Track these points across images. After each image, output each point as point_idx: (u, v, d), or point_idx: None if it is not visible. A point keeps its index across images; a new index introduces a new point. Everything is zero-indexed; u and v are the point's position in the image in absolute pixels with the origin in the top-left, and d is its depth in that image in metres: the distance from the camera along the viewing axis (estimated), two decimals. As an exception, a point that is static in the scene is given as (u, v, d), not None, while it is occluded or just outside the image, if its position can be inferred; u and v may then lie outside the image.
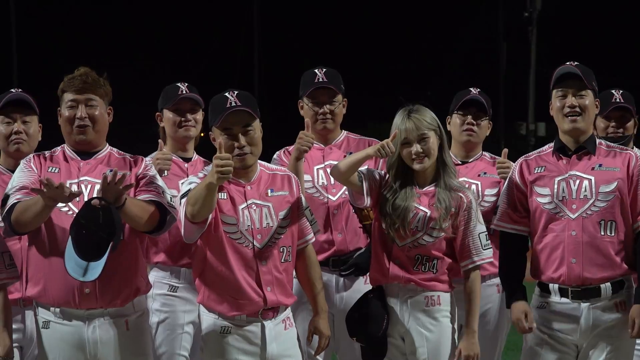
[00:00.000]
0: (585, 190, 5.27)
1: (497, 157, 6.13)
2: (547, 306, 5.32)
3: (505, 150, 6.02)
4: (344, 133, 6.13)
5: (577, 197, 5.26)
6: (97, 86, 5.10)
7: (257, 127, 5.01)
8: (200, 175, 4.99)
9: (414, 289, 5.21)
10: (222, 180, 4.68)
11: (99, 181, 4.92)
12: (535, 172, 5.38)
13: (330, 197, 5.91)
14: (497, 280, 5.98)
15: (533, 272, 5.40)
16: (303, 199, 5.20)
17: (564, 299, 5.27)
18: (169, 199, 5.10)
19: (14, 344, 5.07)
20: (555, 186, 5.31)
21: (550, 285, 5.30)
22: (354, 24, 42.17)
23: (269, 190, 5.07)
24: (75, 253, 4.70)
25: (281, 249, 5.03)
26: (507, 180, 5.56)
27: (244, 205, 4.99)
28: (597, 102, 5.41)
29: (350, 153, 5.69)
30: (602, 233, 5.23)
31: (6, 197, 4.95)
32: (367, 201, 5.27)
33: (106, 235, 4.72)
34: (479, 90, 6.18)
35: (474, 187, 5.87)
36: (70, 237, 4.73)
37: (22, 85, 6.28)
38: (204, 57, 37.08)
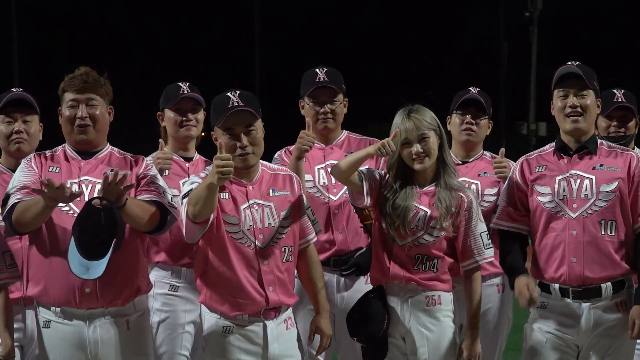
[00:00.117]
0: (586, 190, 5.26)
1: (497, 156, 6.12)
2: (547, 306, 5.31)
3: (503, 150, 6.01)
4: (345, 133, 6.12)
5: (578, 196, 5.26)
6: (98, 86, 5.10)
7: (259, 127, 5.01)
8: (202, 175, 4.98)
9: (414, 289, 5.21)
10: (222, 181, 4.68)
11: (100, 181, 4.92)
12: (536, 171, 5.38)
13: (331, 196, 5.91)
14: (497, 280, 5.99)
15: (533, 272, 5.40)
16: (304, 198, 5.20)
17: (564, 299, 5.27)
18: (170, 198, 5.10)
19: (15, 344, 5.07)
20: (556, 185, 5.31)
21: (551, 285, 5.30)
22: (355, 23, 42.18)
23: (271, 190, 5.07)
24: (78, 252, 4.70)
25: (283, 248, 5.03)
26: (507, 179, 5.55)
27: (246, 205, 4.98)
28: (598, 102, 5.41)
29: (351, 153, 5.69)
30: (603, 232, 5.23)
31: (7, 197, 4.95)
32: (367, 201, 5.27)
33: (108, 235, 4.72)
34: (478, 89, 6.18)
35: (473, 186, 5.87)
36: (72, 237, 4.73)
37: (23, 85, 6.28)
38: (205, 56, 37.10)
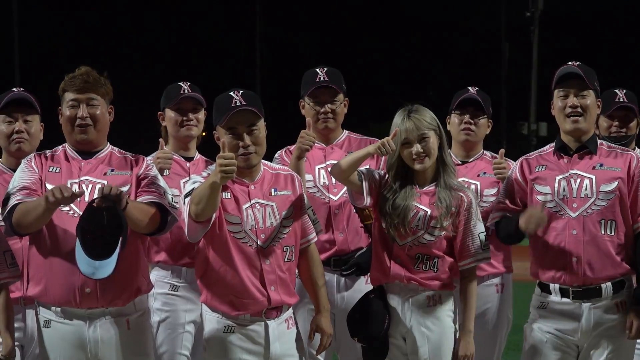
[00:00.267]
0: (586, 189, 5.27)
1: (497, 156, 6.12)
2: (547, 306, 5.31)
3: (502, 151, 6.01)
4: (345, 132, 6.12)
5: (578, 195, 5.26)
6: (98, 85, 5.09)
7: (261, 126, 5.01)
8: (204, 174, 4.98)
9: (415, 289, 5.21)
10: (225, 180, 4.67)
11: (100, 181, 4.93)
12: (536, 170, 5.39)
13: (331, 196, 5.91)
14: (496, 280, 5.99)
15: (533, 272, 5.40)
16: (305, 198, 5.20)
17: (564, 299, 5.27)
18: (170, 199, 5.09)
19: (15, 343, 5.06)
20: (556, 185, 5.31)
21: (551, 285, 5.30)
22: (356, 23, 42.19)
23: (273, 190, 5.07)
24: (85, 254, 4.70)
25: (284, 248, 5.03)
26: (506, 179, 5.54)
27: (248, 204, 4.98)
28: (598, 102, 5.41)
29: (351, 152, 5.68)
30: (603, 232, 5.23)
31: (7, 197, 4.95)
32: (367, 201, 5.27)
33: (112, 234, 4.72)
34: (477, 89, 6.17)
35: (473, 187, 5.87)
36: (77, 239, 4.73)
37: (23, 85, 6.28)
38: (206, 56, 37.12)
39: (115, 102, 5.25)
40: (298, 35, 38.43)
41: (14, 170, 5.17)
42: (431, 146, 5.21)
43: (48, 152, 5.14)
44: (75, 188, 4.87)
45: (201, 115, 6.00)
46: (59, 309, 4.93)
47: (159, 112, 6.06)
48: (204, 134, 6.09)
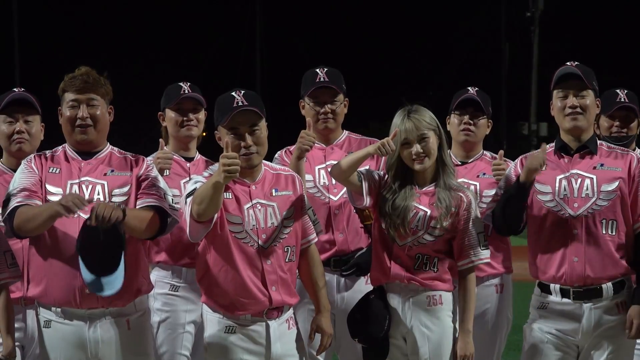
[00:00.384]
0: (587, 189, 5.27)
1: (497, 156, 6.11)
2: (547, 307, 5.31)
3: (501, 152, 6.00)
4: (346, 133, 6.12)
5: (579, 195, 5.27)
6: (98, 86, 5.09)
7: (263, 126, 5.01)
8: (205, 174, 4.98)
9: (415, 289, 5.21)
10: (228, 180, 4.67)
11: (100, 181, 4.94)
12: None
13: (331, 197, 5.91)
14: (495, 280, 5.99)
15: (533, 272, 5.40)
16: (306, 198, 5.20)
17: (565, 300, 5.27)
18: (171, 200, 5.09)
19: (16, 343, 5.07)
20: (557, 184, 5.31)
21: (552, 285, 5.29)
22: (356, 23, 42.20)
23: (274, 190, 5.07)
24: (88, 272, 4.71)
25: (285, 248, 5.03)
26: (504, 176, 5.53)
27: (249, 204, 4.98)
28: (597, 102, 5.42)
29: (351, 153, 5.68)
30: (604, 232, 5.24)
31: (8, 198, 4.94)
32: (367, 201, 5.27)
33: (112, 250, 4.72)
34: (477, 89, 6.16)
35: (472, 187, 5.86)
36: (80, 261, 4.73)
37: (24, 85, 6.28)
38: (206, 56, 37.11)
39: (116, 102, 5.25)
40: (298, 35, 38.43)
41: (15, 171, 5.16)
42: (431, 146, 5.21)
43: (48, 153, 5.14)
44: (76, 189, 4.90)
45: (201, 115, 6.00)
46: (59, 310, 4.93)
47: (159, 113, 6.07)
48: (204, 134, 6.09)
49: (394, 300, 5.24)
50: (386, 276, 5.25)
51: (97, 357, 4.95)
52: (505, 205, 5.31)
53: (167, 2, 41.64)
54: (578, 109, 5.32)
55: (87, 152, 5.11)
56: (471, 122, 6.07)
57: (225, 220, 4.91)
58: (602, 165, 5.32)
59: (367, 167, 5.44)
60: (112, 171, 5.07)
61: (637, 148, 6.26)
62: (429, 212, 5.20)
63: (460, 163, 6.04)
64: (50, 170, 5.03)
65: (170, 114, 5.97)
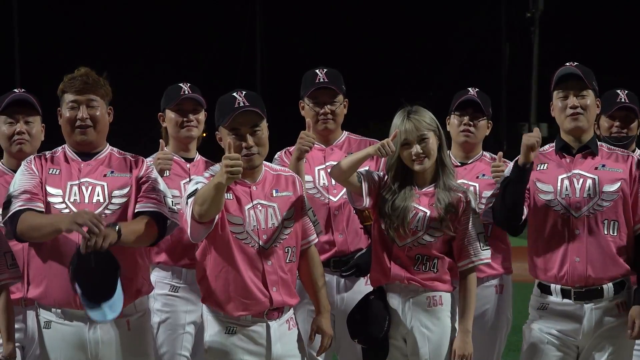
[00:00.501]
0: (589, 189, 5.27)
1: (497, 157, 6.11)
2: (547, 307, 5.31)
3: (500, 154, 6.00)
4: (345, 133, 6.12)
5: (581, 195, 5.27)
6: (98, 86, 5.09)
7: (264, 127, 5.01)
8: (207, 175, 4.98)
9: (415, 289, 5.21)
10: (231, 180, 4.67)
11: (100, 182, 4.93)
12: (538, 168, 5.38)
13: (331, 197, 5.91)
14: (494, 281, 5.99)
15: (533, 271, 5.39)
16: (306, 199, 5.21)
17: (565, 300, 5.27)
18: (170, 203, 5.09)
19: (16, 344, 5.07)
20: (559, 184, 5.31)
21: (552, 286, 5.29)
22: (356, 23, 42.21)
23: (274, 191, 5.07)
24: (87, 300, 4.70)
25: (286, 249, 5.03)
26: (504, 176, 5.51)
27: (250, 205, 4.98)
28: (598, 102, 5.42)
29: (351, 154, 5.68)
30: (606, 232, 5.24)
31: (9, 200, 4.93)
32: (367, 202, 5.27)
33: (106, 274, 4.71)
34: (477, 90, 6.16)
35: (471, 188, 5.85)
36: (77, 289, 4.72)
37: (24, 85, 6.28)
38: (207, 56, 37.12)
39: (116, 102, 5.25)
40: (298, 35, 38.44)
41: (15, 172, 5.16)
42: (431, 147, 5.21)
43: (47, 154, 5.14)
44: (75, 190, 4.91)
45: (201, 116, 6.00)
46: (59, 310, 4.93)
47: (159, 113, 6.07)
48: (204, 135, 6.09)
49: (394, 301, 5.24)
50: (386, 277, 5.25)
51: (97, 358, 4.95)
52: (505, 191, 5.26)
53: (167, 2, 41.64)
54: (579, 109, 5.32)
55: (86, 153, 5.11)
56: (471, 123, 6.06)
57: (226, 221, 4.91)
58: (603, 166, 5.33)
59: (367, 168, 5.44)
60: (112, 172, 5.07)
61: (636, 149, 6.26)
62: (428, 212, 5.20)
63: (459, 164, 6.04)
64: (50, 172, 5.03)
65: (170, 114, 5.97)
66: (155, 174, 5.18)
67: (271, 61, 38.38)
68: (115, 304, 4.72)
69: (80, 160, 5.09)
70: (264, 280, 4.95)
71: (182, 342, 5.82)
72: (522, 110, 36.03)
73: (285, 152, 6.02)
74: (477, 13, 38.44)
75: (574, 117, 5.32)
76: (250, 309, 4.94)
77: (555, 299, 5.29)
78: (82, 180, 5.03)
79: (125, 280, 4.91)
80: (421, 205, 5.22)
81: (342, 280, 5.90)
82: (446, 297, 5.24)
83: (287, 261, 5.04)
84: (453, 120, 6.11)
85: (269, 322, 4.98)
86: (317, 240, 5.27)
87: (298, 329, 5.16)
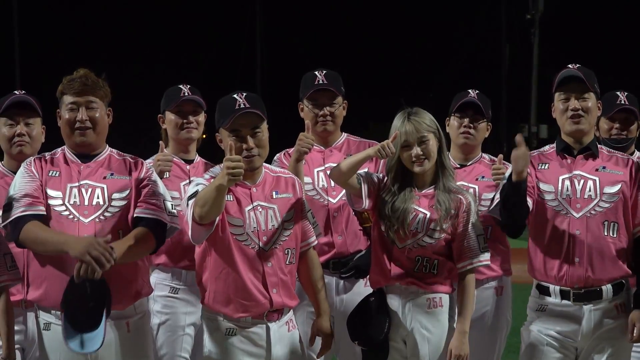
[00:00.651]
0: (590, 190, 5.28)
1: (496, 159, 6.10)
2: (546, 308, 5.32)
3: (500, 156, 6.00)
4: (344, 135, 6.12)
5: (582, 196, 5.27)
6: (97, 88, 5.07)
7: (265, 129, 5.01)
8: (207, 177, 4.97)
9: (415, 291, 5.21)
10: (232, 183, 4.67)
11: (100, 184, 4.93)
12: (539, 168, 5.39)
13: (330, 199, 5.91)
14: (494, 283, 5.99)
15: (532, 272, 5.39)
16: (305, 201, 5.21)
17: (564, 301, 5.27)
18: (170, 206, 5.08)
19: (16, 346, 5.06)
20: (560, 184, 5.32)
21: (551, 287, 5.30)
22: (356, 24, 42.20)
23: (274, 193, 5.07)
24: (70, 327, 4.66)
25: (286, 251, 5.03)
26: (503, 180, 5.51)
27: (250, 207, 4.98)
28: (599, 104, 5.43)
29: (351, 155, 5.68)
30: (606, 234, 5.25)
31: (10, 202, 4.92)
32: (366, 204, 5.27)
33: (97, 303, 4.69)
34: (477, 92, 6.15)
35: (471, 190, 5.86)
36: (62, 315, 4.70)
37: (24, 87, 6.27)
38: (206, 57, 37.11)
39: (115, 103, 5.24)
40: (298, 35, 38.43)
41: (15, 173, 5.16)
42: (430, 149, 5.21)
43: (47, 155, 5.13)
44: (75, 192, 4.91)
45: (201, 117, 6.00)
46: (59, 312, 4.92)
47: (159, 115, 6.07)
48: (204, 136, 6.09)
49: (394, 303, 5.24)
50: (386, 278, 5.25)
51: (97, 360, 4.95)
52: (504, 206, 5.29)
53: (167, 2, 41.64)
54: (580, 112, 5.33)
55: (86, 154, 5.10)
56: (471, 125, 6.06)
57: (226, 223, 4.91)
58: (604, 167, 5.34)
59: (367, 170, 5.44)
60: (112, 175, 5.06)
61: (635, 151, 6.27)
62: (428, 214, 5.20)
63: (458, 166, 6.04)
64: (50, 174, 5.02)
65: (170, 116, 5.97)
66: (155, 176, 5.17)
67: (271, 61, 38.38)
68: (95, 338, 4.67)
69: (79, 162, 5.08)
70: (264, 282, 4.95)
71: (181, 343, 5.82)
72: (522, 111, 36.03)
73: (284, 153, 6.02)
74: (477, 13, 38.43)
75: (575, 120, 5.33)
76: (250, 310, 4.94)
77: (553, 300, 5.30)
78: (81, 182, 5.02)
79: (125, 282, 4.92)
80: (421, 207, 5.22)
81: (342, 281, 5.90)
82: (446, 299, 5.24)
83: (287, 263, 5.04)
84: (453, 122, 6.10)
85: (268, 324, 4.98)
86: (316, 242, 5.27)
87: (298, 330, 5.16)
